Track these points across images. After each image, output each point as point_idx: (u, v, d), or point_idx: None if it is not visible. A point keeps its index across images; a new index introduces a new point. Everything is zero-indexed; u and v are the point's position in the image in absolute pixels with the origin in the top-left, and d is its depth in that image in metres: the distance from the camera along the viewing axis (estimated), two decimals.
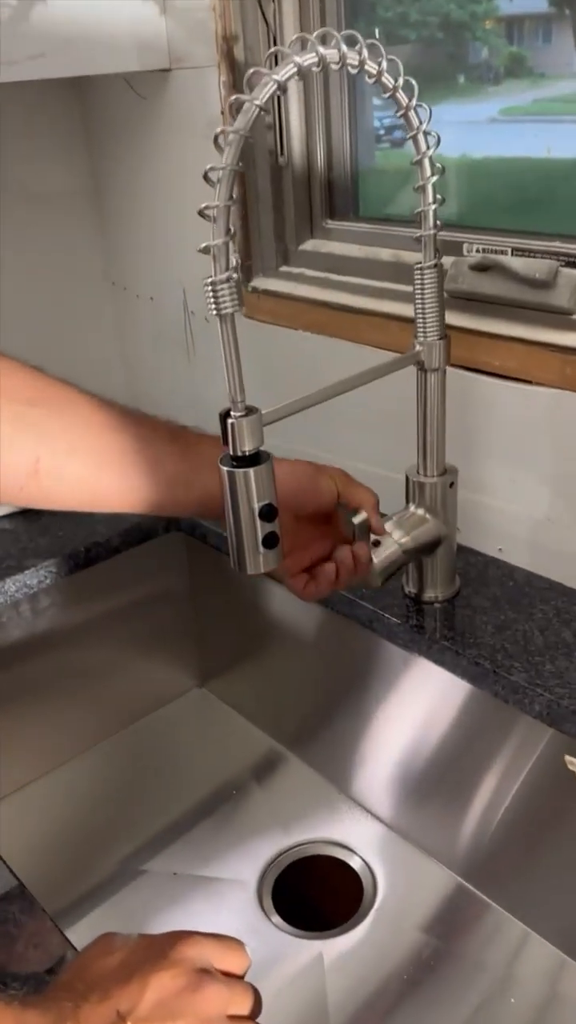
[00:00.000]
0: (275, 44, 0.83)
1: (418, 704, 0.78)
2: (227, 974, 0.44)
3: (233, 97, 0.49)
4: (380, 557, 0.69)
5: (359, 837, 0.84)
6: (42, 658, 0.91)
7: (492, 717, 0.71)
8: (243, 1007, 0.43)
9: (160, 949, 0.43)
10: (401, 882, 0.79)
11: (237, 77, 0.84)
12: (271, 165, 0.87)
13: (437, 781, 0.79)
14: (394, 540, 0.71)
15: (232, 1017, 0.43)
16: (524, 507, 0.78)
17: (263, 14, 0.83)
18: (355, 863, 0.81)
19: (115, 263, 1.11)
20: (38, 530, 0.92)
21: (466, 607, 0.75)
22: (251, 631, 0.96)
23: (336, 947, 0.74)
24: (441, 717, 0.76)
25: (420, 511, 0.73)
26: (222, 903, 0.79)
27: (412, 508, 0.73)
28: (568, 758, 0.62)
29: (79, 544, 0.89)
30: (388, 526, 0.71)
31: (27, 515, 0.95)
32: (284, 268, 0.92)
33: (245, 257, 0.91)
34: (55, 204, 1.07)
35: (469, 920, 0.76)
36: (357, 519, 0.65)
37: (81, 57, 0.86)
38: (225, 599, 0.98)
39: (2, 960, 0.48)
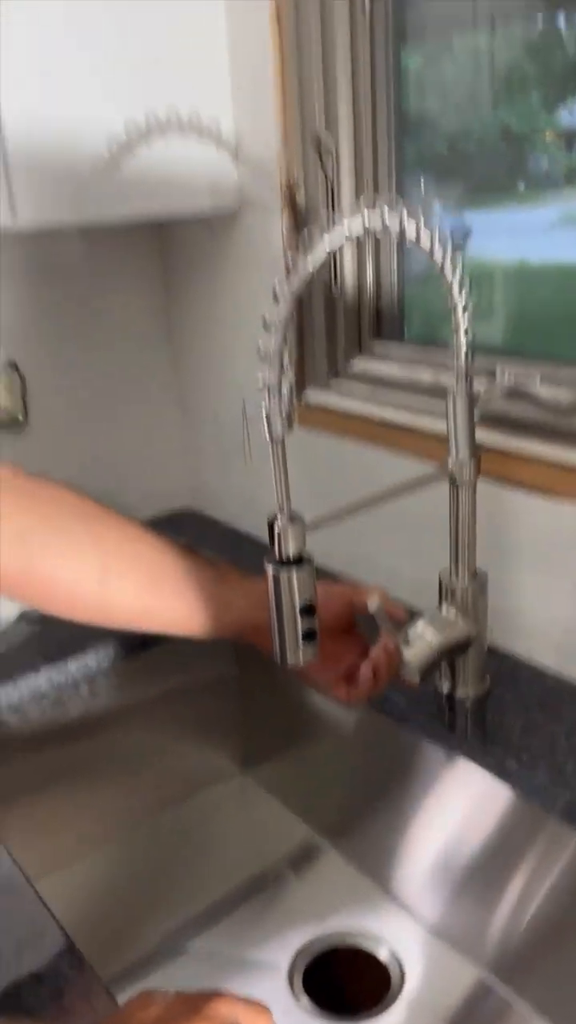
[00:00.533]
0: (332, 192, 0.94)
1: (449, 801, 0.81)
2: None
3: (289, 256, 0.58)
4: (416, 654, 0.75)
5: (389, 929, 0.86)
6: (96, 738, 0.97)
7: (520, 816, 0.74)
8: None
9: (194, 1005, 0.47)
10: (428, 975, 0.81)
11: (298, 219, 0.95)
12: (325, 295, 0.97)
13: (467, 878, 0.82)
14: (427, 639, 0.76)
15: None
16: (553, 612, 0.83)
17: (322, 165, 0.95)
18: (383, 954, 0.84)
19: (183, 375, 1.21)
20: None
21: (496, 707, 0.80)
22: (294, 722, 1.00)
23: None
24: (471, 814, 0.79)
25: (452, 612, 0.78)
26: (254, 985, 0.81)
27: (445, 609, 0.79)
28: None
29: None
30: (421, 624, 0.76)
31: None
32: (334, 383, 1.01)
33: (299, 373, 1.01)
34: (137, 327, 1.19)
35: (496, 1018, 0.77)
36: (373, 605, 0.71)
37: (163, 200, 0.98)
38: (271, 690, 1.03)
39: (52, 1013, 0.52)
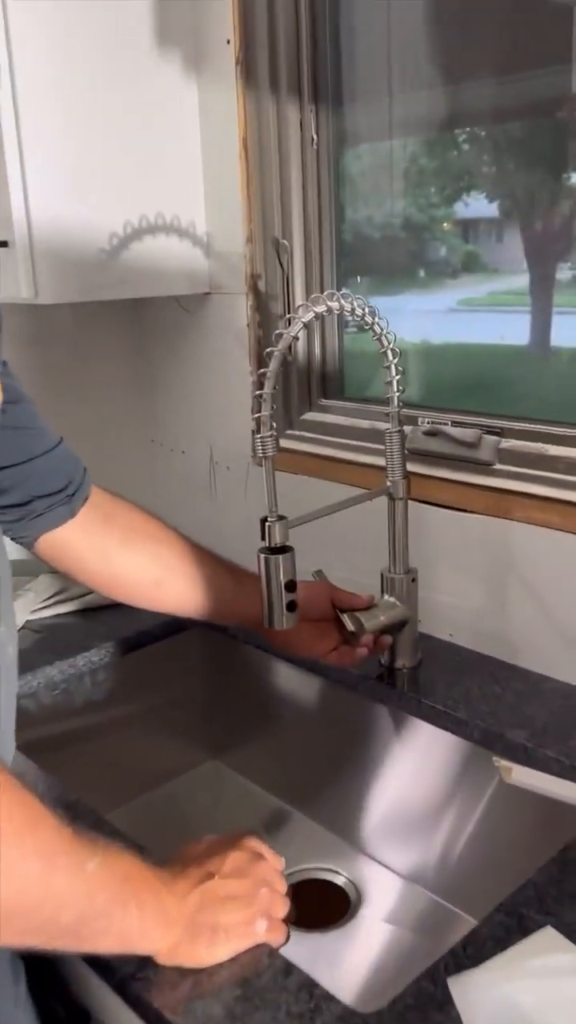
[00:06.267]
0: (287, 281, 1.20)
1: (391, 749, 1.03)
2: None
3: (267, 351, 0.83)
4: (372, 628, 0.97)
5: (347, 863, 1.06)
6: (89, 724, 1.14)
7: (449, 749, 0.96)
8: (281, 886, 0.67)
9: (232, 840, 0.67)
10: (380, 896, 1.01)
11: (259, 302, 1.20)
12: (281, 363, 1.21)
13: (414, 814, 1.03)
14: (379, 618, 0.99)
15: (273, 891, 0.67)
16: (465, 601, 1.07)
17: (279, 260, 1.20)
18: (340, 880, 1.04)
19: (157, 426, 1.44)
20: (98, 621, 1.19)
21: (426, 672, 1.03)
22: (258, 705, 1.20)
23: (326, 940, 0.95)
24: (411, 758, 1.01)
25: (391, 599, 1.01)
26: None
27: (386, 597, 1.02)
28: (495, 758, 0.87)
29: (130, 631, 1.16)
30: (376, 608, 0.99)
31: (88, 610, 1.22)
32: (289, 432, 1.25)
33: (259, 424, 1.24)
34: (115, 385, 1.42)
35: (434, 920, 0.98)
36: (352, 621, 0.96)
37: (149, 284, 1.22)
38: (236, 679, 1.23)
39: None
